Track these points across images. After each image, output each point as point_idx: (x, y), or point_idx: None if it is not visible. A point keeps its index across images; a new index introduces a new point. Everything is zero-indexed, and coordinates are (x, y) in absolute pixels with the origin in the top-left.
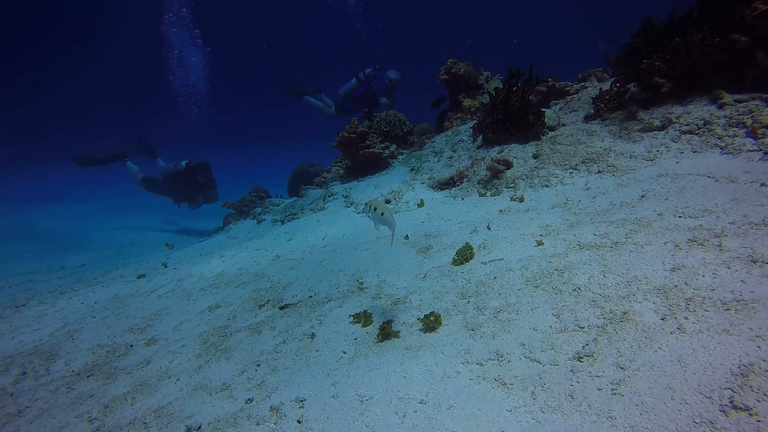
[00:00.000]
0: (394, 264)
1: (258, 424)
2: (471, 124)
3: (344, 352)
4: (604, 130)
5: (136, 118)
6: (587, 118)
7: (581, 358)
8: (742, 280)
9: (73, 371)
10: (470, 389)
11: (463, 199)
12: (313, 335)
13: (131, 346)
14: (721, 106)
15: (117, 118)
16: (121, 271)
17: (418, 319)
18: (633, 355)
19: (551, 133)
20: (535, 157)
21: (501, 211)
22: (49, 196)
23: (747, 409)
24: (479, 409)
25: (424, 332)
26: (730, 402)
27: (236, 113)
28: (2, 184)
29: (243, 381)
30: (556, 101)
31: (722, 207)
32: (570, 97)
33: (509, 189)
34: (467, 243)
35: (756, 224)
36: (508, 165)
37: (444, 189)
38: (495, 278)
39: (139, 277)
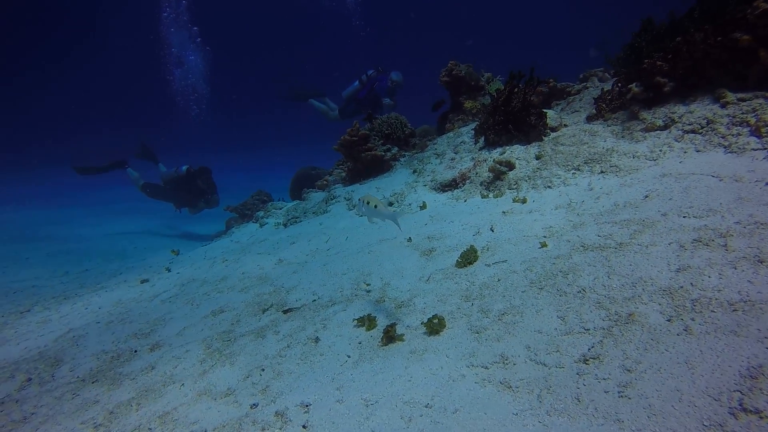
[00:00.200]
0: (398, 267)
1: (263, 429)
2: (473, 125)
3: (349, 356)
4: (606, 131)
5: (134, 118)
6: (589, 119)
7: (587, 360)
8: (749, 281)
9: (78, 377)
10: (476, 392)
11: (465, 200)
12: (317, 339)
13: (135, 351)
14: (724, 105)
15: (115, 120)
16: (124, 276)
17: (422, 323)
18: (639, 357)
19: (553, 134)
20: (538, 158)
21: (504, 212)
22: (51, 200)
23: (757, 411)
24: (485, 413)
25: (429, 335)
26: (740, 405)
27: (236, 115)
28: (3, 187)
29: (248, 386)
30: (558, 102)
31: (727, 207)
32: (571, 97)
33: (512, 190)
34: (471, 245)
35: (762, 224)
36: (511, 166)
37: (446, 191)
38: (499, 280)
39: (142, 281)
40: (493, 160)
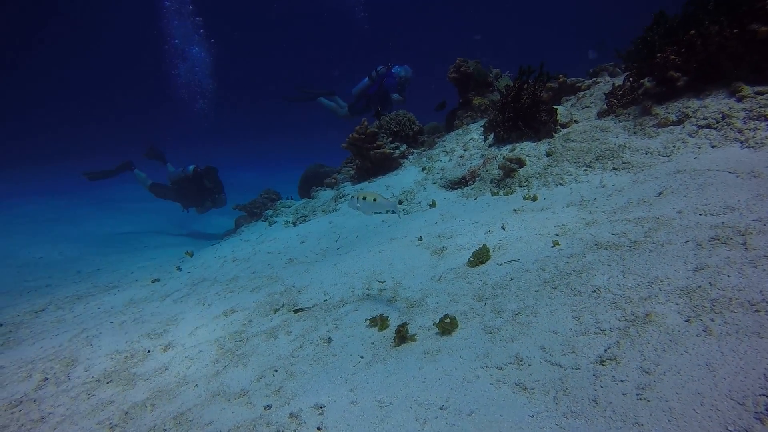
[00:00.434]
0: (409, 266)
1: (278, 431)
2: (482, 122)
3: (362, 357)
4: (617, 126)
5: (136, 113)
6: (600, 114)
7: (603, 361)
8: None
9: (92, 377)
10: (490, 394)
11: (475, 198)
12: (329, 339)
13: (149, 351)
14: (740, 99)
15: (118, 115)
16: (135, 275)
17: (434, 324)
18: (658, 358)
19: (564, 131)
20: (548, 154)
21: (515, 210)
22: (59, 198)
23: None
24: (501, 415)
25: (441, 335)
26: (766, 409)
27: (241, 113)
28: (12, 184)
29: (261, 387)
30: (568, 97)
31: (745, 203)
32: (581, 93)
33: (522, 188)
34: (483, 245)
35: None
36: (521, 163)
37: (456, 188)
38: (512, 280)
39: (153, 281)
40: (503, 157)
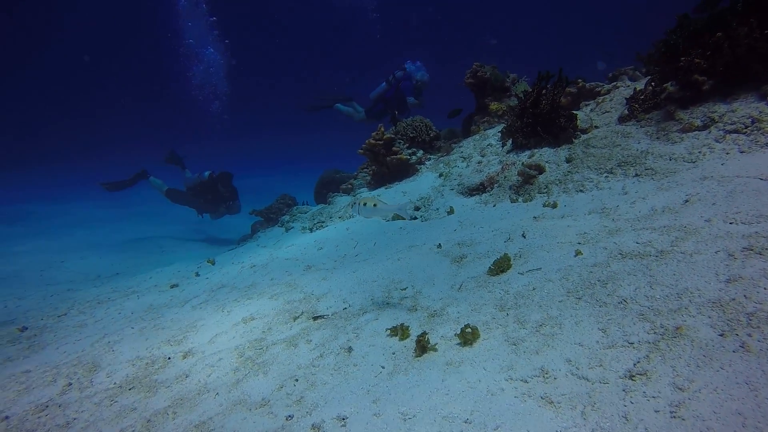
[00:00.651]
0: (429, 274)
1: None
2: (499, 128)
3: (383, 367)
4: (639, 132)
5: (153, 115)
6: (621, 120)
7: (633, 376)
8: None
9: (115, 383)
10: (516, 408)
11: (494, 205)
12: (350, 349)
13: (169, 358)
14: None
15: (135, 117)
16: (154, 280)
17: (455, 334)
18: (691, 374)
19: (584, 136)
20: (568, 161)
21: (535, 217)
22: (75, 202)
23: None
24: (527, 430)
25: (463, 346)
26: None
27: (257, 112)
28: (29, 187)
29: (282, 396)
30: (587, 102)
31: None
32: (601, 98)
33: (542, 195)
34: (504, 253)
35: None
36: (540, 170)
37: (474, 195)
38: (534, 289)
39: (172, 286)
40: (522, 163)
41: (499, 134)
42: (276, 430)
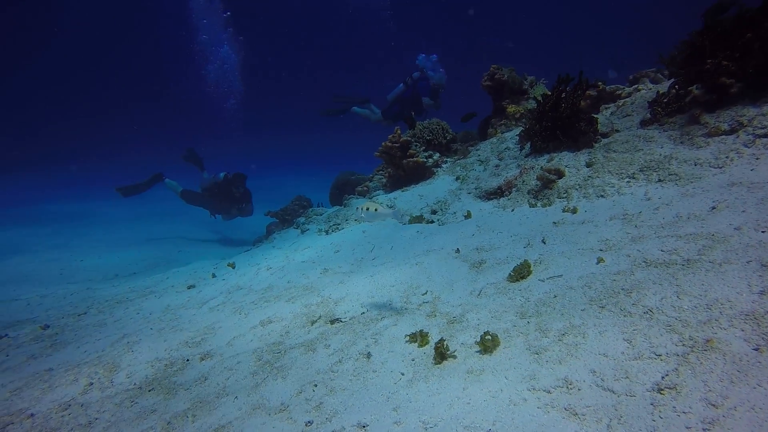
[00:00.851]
0: (447, 279)
1: None
2: (517, 131)
3: (402, 374)
4: (662, 136)
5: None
6: (643, 123)
7: (662, 390)
8: None
9: (134, 384)
10: (539, 419)
11: (512, 210)
12: (369, 355)
13: (188, 360)
14: None
15: (153, 116)
16: (171, 281)
17: (475, 342)
18: (725, 390)
19: (604, 140)
20: (588, 165)
21: (555, 223)
22: (90, 201)
23: None
24: None
25: (484, 354)
26: None
27: (271, 110)
28: (44, 188)
29: (301, 401)
30: (607, 105)
31: None
32: (622, 101)
33: (561, 199)
34: (525, 260)
35: None
36: (560, 174)
37: (492, 199)
38: (555, 297)
39: (189, 287)
40: (541, 167)
41: (517, 137)
42: None
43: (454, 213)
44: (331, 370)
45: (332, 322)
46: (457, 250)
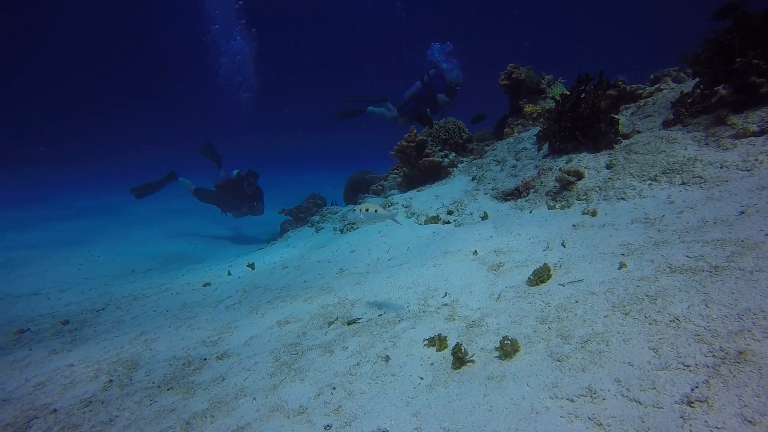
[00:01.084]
0: (465, 282)
1: None
2: (534, 131)
3: (421, 378)
4: (686, 137)
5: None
6: (665, 124)
7: (692, 402)
8: None
9: (153, 383)
10: (562, 428)
11: (531, 211)
12: (387, 358)
13: (205, 359)
14: None
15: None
16: (187, 278)
17: (495, 348)
18: (762, 406)
19: (625, 141)
20: (609, 167)
21: (574, 225)
22: (109, 192)
23: None
24: None
25: (504, 360)
26: None
27: (285, 107)
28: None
29: (320, 405)
30: (627, 105)
31: None
32: (643, 100)
33: (581, 201)
34: (544, 263)
35: None
36: (579, 176)
37: (509, 200)
38: (577, 302)
39: (204, 285)
40: (560, 168)
41: (534, 138)
42: None
43: (471, 214)
44: (350, 373)
45: (349, 323)
46: (475, 252)
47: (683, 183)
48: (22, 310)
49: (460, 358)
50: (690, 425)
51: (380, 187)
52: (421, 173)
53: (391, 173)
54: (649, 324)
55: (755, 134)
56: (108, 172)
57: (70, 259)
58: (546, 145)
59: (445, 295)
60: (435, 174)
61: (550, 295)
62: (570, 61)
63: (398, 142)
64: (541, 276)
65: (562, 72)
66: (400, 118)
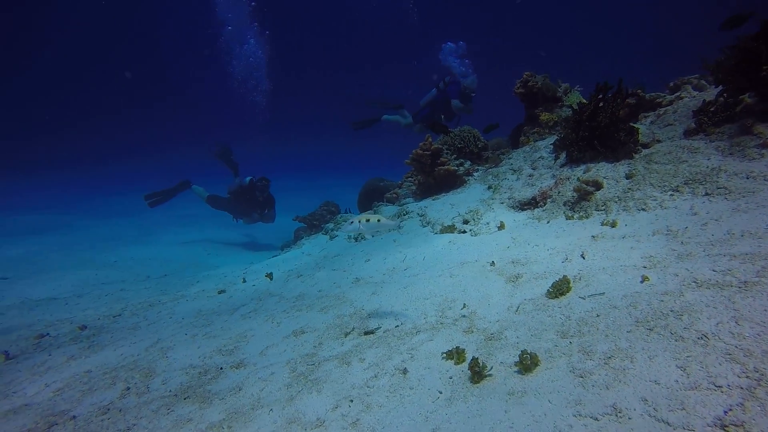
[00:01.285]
0: (483, 294)
1: None
2: (550, 139)
3: (440, 392)
4: (709, 147)
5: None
6: (687, 134)
7: (726, 426)
8: None
9: (170, 391)
10: None
11: (548, 222)
12: (405, 371)
13: (221, 369)
14: None
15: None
16: (201, 285)
17: (515, 362)
18: None
19: (645, 151)
20: (628, 177)
21: (593, 237)
22: (127, 194)
23: None
24: None
25: (524, 375)
26: None
27: (296, 113)
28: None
29: (337, 417)
30: (646, 114)
31: None
32: (662, 109)
33: (600, 212)
34: (564, 275)
35: None
36: (598, 186)
37: (525, 210)
38: (598, 316)
39: (219, 292)
40: (578, 178)
41: (551, 146)
42: None
43: (487, 223)
44: (367, 385)
45: (366, 334)
46: (492, 263)
47: (707, 194)
48: (41, 314)
49: (477, 372)
50: None
51: (395, 195)
52: (436, 182)
53: (405, 181)
54: (675, 341)
55: None
56: (121, 177)
57: (86, 264)
58: (563, 155)
59: (464, 307)
60: (450, 183)
61: (570, 308)
62: (586, 70)
63: (413, 151)
64: (560, 288)
65: (579, 80)
66: (415, 125)
